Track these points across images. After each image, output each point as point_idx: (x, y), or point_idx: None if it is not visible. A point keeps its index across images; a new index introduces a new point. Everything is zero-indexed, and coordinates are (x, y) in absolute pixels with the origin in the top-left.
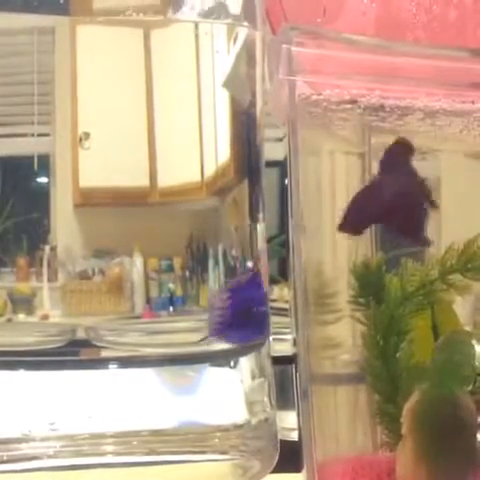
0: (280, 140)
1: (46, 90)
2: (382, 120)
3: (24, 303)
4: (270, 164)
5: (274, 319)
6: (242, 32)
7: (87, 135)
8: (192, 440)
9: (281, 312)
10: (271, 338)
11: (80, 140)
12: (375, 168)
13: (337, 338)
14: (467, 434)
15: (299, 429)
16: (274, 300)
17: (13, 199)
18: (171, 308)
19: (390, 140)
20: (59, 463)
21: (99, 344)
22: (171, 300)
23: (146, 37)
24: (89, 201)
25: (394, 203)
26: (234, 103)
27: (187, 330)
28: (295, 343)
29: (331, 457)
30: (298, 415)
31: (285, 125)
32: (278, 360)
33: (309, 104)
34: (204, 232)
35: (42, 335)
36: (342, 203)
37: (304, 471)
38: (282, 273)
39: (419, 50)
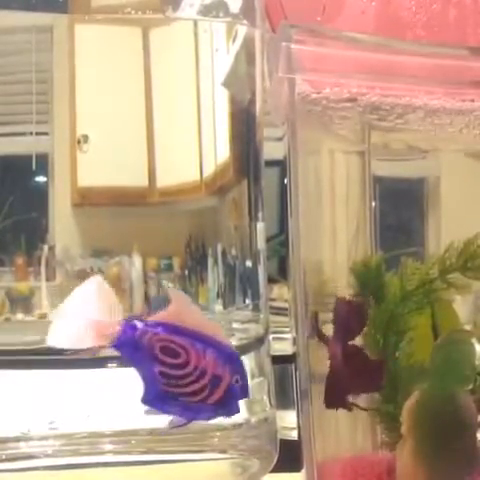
0: (280, 139)
1: (44, 89)
2: (382, 118)
3: (22, 302)
4: (270, 163)
5: (274, 318)
6: (241, 30)
7: (86, 138)
8: (191, 439)
9: (281, 311)
10: (271, 337)
11: (78, 142)
12: (375, 167)
13: None
14: (467, 433)
15: (299, 428)
16: (273, 299)
17: (11, 198)
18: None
19: (390, 139)
20: (58, 462)
21: None
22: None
23: (145, 35)
24: (88, 201)
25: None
26: (233, 102)
27: None
28: (295, 342)
29: (331, 456)
30: (298, 414)
31: (285, 124)
32: (278, 359)
33: (309, 102)
34: (203, 231)
35: (41, 334)
36: (341, 202)
37: (304, 470)
38: (282, 272)
39: (419, 48)
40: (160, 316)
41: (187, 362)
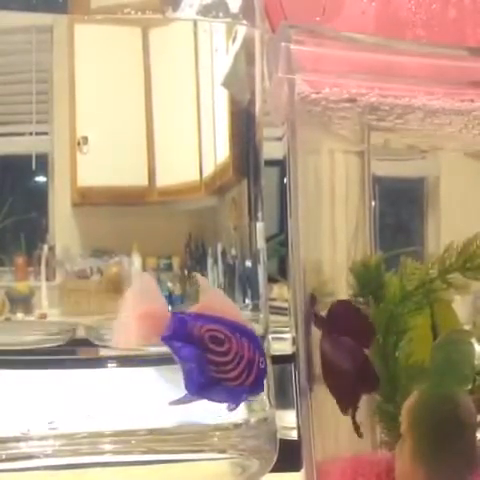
0: (279, 139)
1: (44, 89)
2: (381, 119)
3: (22, 302)
4: (269, 163)
5: (273, 318)
6: (241, 30)
7: (85, 139)
8: (191, 439)
9: (280, 311)
10: (270, 337)
11: (78, 144)
12: (374, 167)
13: None
14: (466, 433)
15: (298, 428)
16: (273, 299)
17: (11, 198)
18: (170, 307)
19: (389, 139)
20: (57, 462)
21: (98, 343)
22: (170, 299)
23: (144, 36)
24: (87, 200)
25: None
26: (233, 102)
27: None
28: (294, 342)
29: (330, 456)
30: (297, 414)
31: (284, 124)
32: (277, 359)
33: (308, 103)
34: (203, 231)
35: (40, 334)
36: (341, 202)
37: (303, 470)
38: (282, 272)
39: (418, 49)
40: (196, 308)
41: (229, 349)
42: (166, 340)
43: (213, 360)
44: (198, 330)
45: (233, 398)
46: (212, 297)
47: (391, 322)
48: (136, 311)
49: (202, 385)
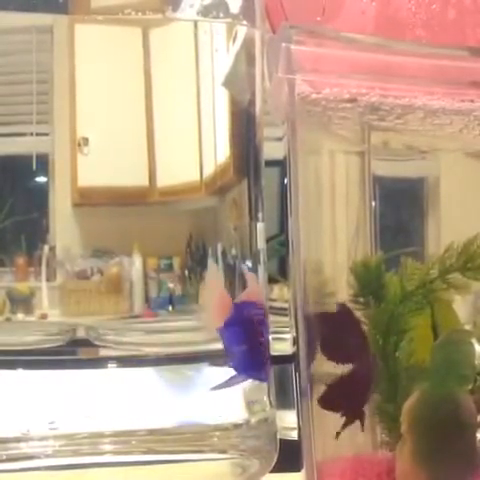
0: (280, 139)
1: (44, 89)
2: (382, 119)
3: (23, 302)
4: (270, 163)
5: (274, 318)
6: (241, 31)
7: (86, 140)
8: (191, 439)
9: (281, 311)
10: (271, 337)
11: (79, 145)
12: (374, 167)
13: None
14: (467, 433)
15: (299, 428)
16: (274, 299)
17: (12, 199)
18: (170, 307)
19: (390, 139)
20: (58, 462)
21: (98, 343)
22: (170, 299)
23: (145, 36)
24: (88, 201)
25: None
26: (233, 102)
27: (186, 329)
28: (294, 342)
29: (331, 456)
30: (298, 414)
31: (284, 124)
32: (277, 359)
33: (308, 103)
34: (203, 231)
35: (41, 334)
36: (341, 202)
37: (303, 470)
38: (282, 272)
39: (418, 49)
40: (244, 296)
41: (267, 330)
42: (227, 326)
43: (261, 342)
44: (250, 315)
45: (267, 375)
46: (254, 286)
47: (391, 322)
48: (212, 301)
49: (253, 366)
